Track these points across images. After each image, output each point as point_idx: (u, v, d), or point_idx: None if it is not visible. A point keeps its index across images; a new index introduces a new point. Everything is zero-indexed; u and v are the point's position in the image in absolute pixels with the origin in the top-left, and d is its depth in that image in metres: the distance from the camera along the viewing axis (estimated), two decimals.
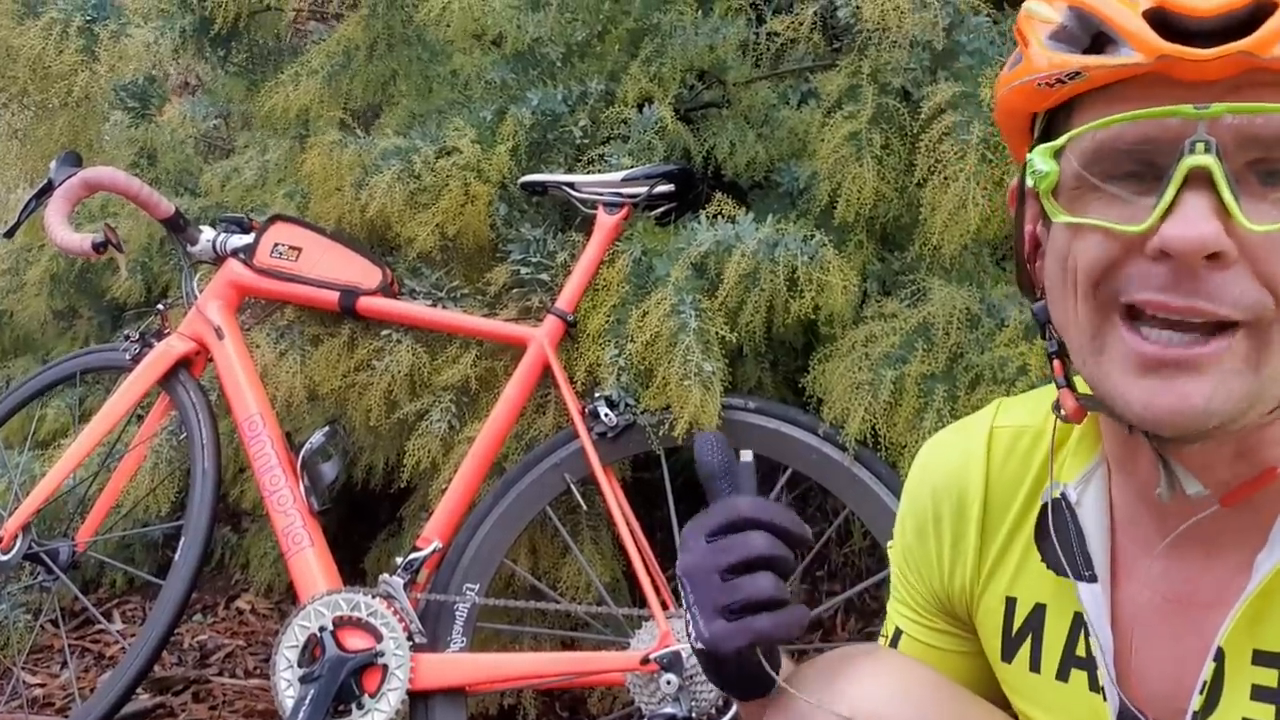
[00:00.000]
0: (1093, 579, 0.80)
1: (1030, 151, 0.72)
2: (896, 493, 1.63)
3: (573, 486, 1.78)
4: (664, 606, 1.68)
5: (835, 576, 2.20)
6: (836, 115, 1.87)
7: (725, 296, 1.72)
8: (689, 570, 0.79)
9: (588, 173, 1.95)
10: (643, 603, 1.71)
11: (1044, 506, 0.84)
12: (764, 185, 2.05)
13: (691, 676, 1.56)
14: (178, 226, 2.08)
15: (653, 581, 1.67)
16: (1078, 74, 0.68)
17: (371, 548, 2.38)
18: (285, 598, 2.79)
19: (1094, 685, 0.82)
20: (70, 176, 2.00)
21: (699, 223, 1.83)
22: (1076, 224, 0.69)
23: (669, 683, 1.54)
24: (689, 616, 0.80)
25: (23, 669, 2.35)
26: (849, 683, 0.82)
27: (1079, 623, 0.82)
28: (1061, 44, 0.69)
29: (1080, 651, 0.83)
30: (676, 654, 1.57)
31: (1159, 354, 0.64)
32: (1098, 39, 0.68)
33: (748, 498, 0.81)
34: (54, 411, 2.80)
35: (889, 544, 1.02)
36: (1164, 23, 0.64)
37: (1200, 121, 0.63)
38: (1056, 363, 0.78)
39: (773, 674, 0.82)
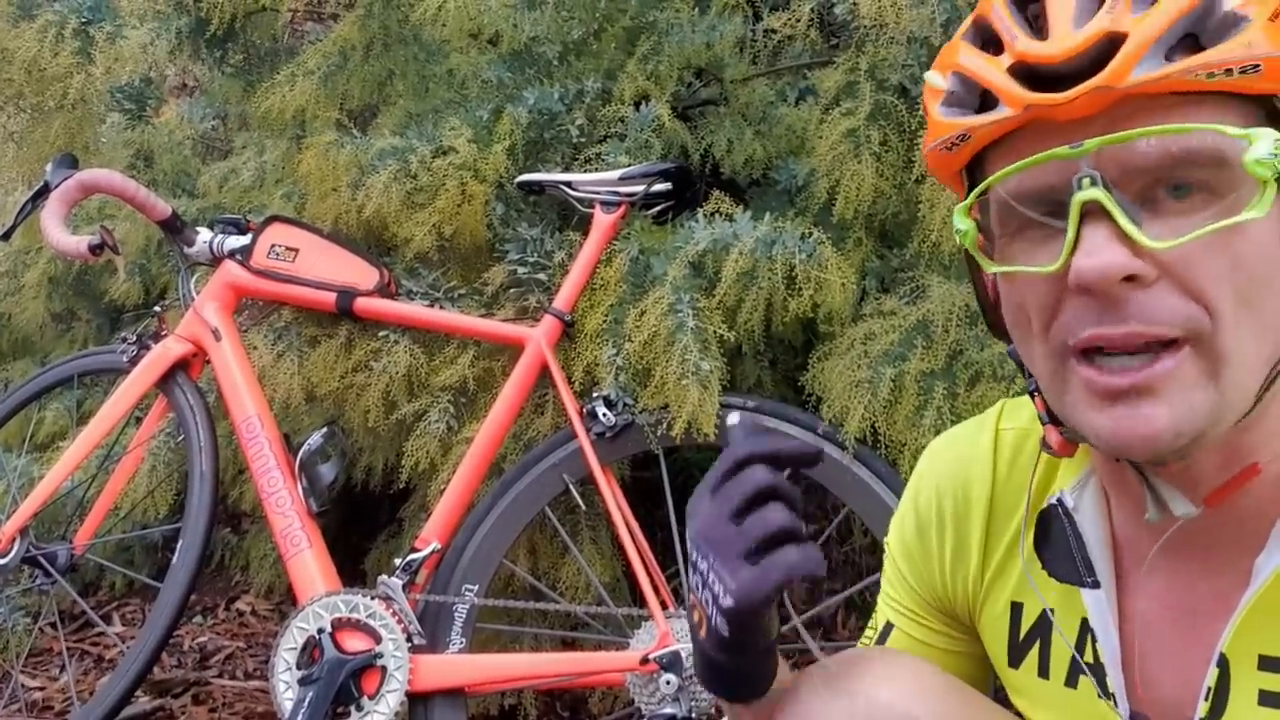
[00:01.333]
0: (1095, 585, 0.80)
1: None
2: (896, 491, 1.63)
3: (571, 487, 1.77)
4: (663, 606, 1.67)
5: (835, 575, 2.20)
6: (834, 112, 1.86)
7: (723, 295, 1.71)
8: (702, 529, 0.75)
9: (585, 172, 1.95)
10: (642, 602, 1.70)
11: (1042, 514, 0.84)
12: (762, 183, 2.05)
13: (691, 676, 1.55)
14: (174, 228, 2.07)
15: (652, 581, 1.67)
16: (966, 135, 0.72)
17: (371, 549, 2.38)
18: (285, 599, 2.78)
19: (1103, 691, 0.82)
20: (66, 179, 2.00)
21: (696, 221, 1.82)
22: (1004, 272, 0.72)
23: (669, 683, 1.53)
24: (709, 590, 0.75)
25: (22, 672, 2.34)
26: (862, 681, 0.81)
27: (1086, 628, 0.82)
28: (954, 109, 0.73)
29: (1088, 658, 0.83)
30: (676, 654, 1.56)
31: (1115, 384, 0.66)
32: (985, 98, 0.71)
33: (742, 445, 0.76)
34: (52, 414, 2.80)
35: (886, 539, 1.02)
36: (1030, 74, 0.67)
37: (1082, 159, 0.65)
38: (1038, 399, 0.79)
39: (791, 612, 0.82)
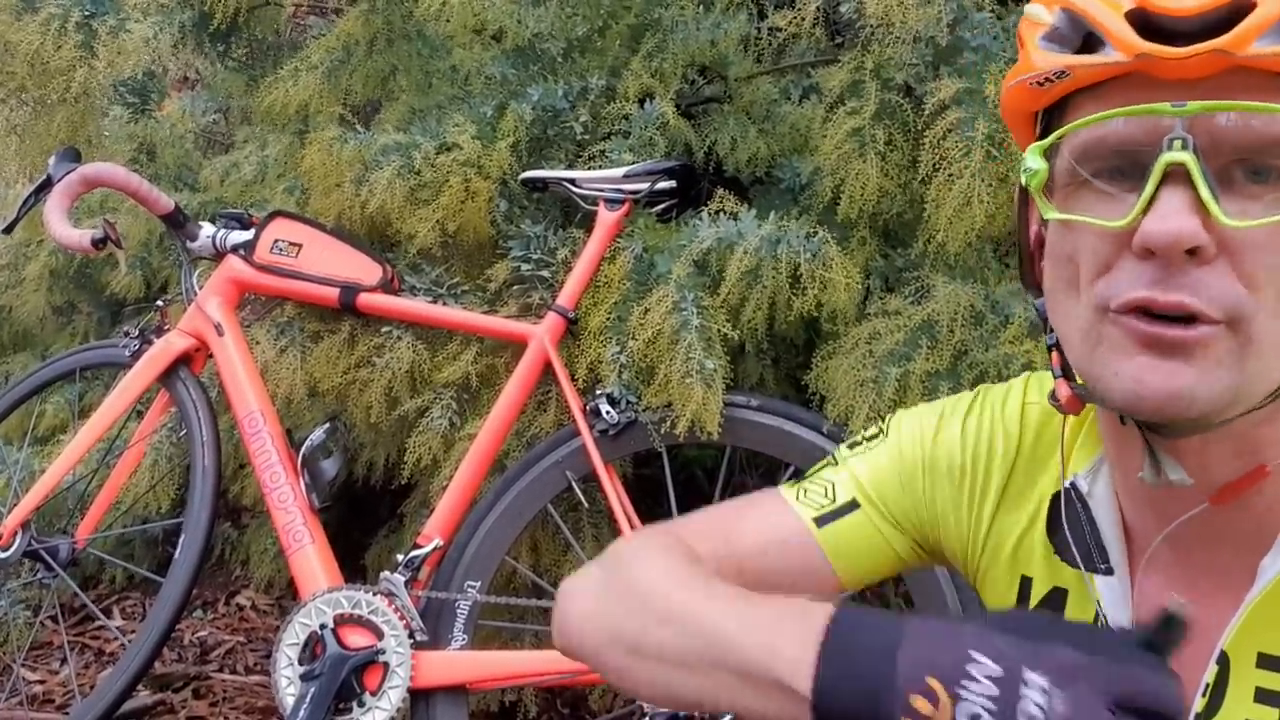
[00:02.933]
0: (1109, 571, 0.79)
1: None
2: None
3: (574, 484, 1.77)
4: None
5: None
6: (839, 111, 1.86)
7: (727, 294, 1.71)
8: (1075, 695, 0.56)
9: (589, 169, 1.94)
10: None
11: (1055, 497, 0.84)
12: (765, 181, 2.04)
13: None
14: (177, 222, 2.07)
15: None
16: (1064, 73, 0.70)
17: (372, 545, 2.38)
18: (286, 594, 2.78)
19: None
20: (69, 172, 1.99)
21: (701, 219, 1.82)
22: (1066, 220, 0.71)
23: None
24: None
25: (22, 666, 2.34)
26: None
27: (1098, 616, 0.82)
28: (1054, 44, 0.72)
29: None
30: None
31: (1153, 331, 0.65)
32: (1088, 40, 0.70)
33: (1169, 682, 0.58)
34: (53, 408, 2.80)
35: (871, 435, 0.97)
36: (1146, 23, 0.66)
37: (1178, 119, 0.64)
38: (1055, 354, 0.79)
39: None
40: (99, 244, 1.93)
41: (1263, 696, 0.73)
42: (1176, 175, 0.64)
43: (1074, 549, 0.81)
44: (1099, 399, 0.73)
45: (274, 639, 2.62)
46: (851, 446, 0.98)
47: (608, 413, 1.75)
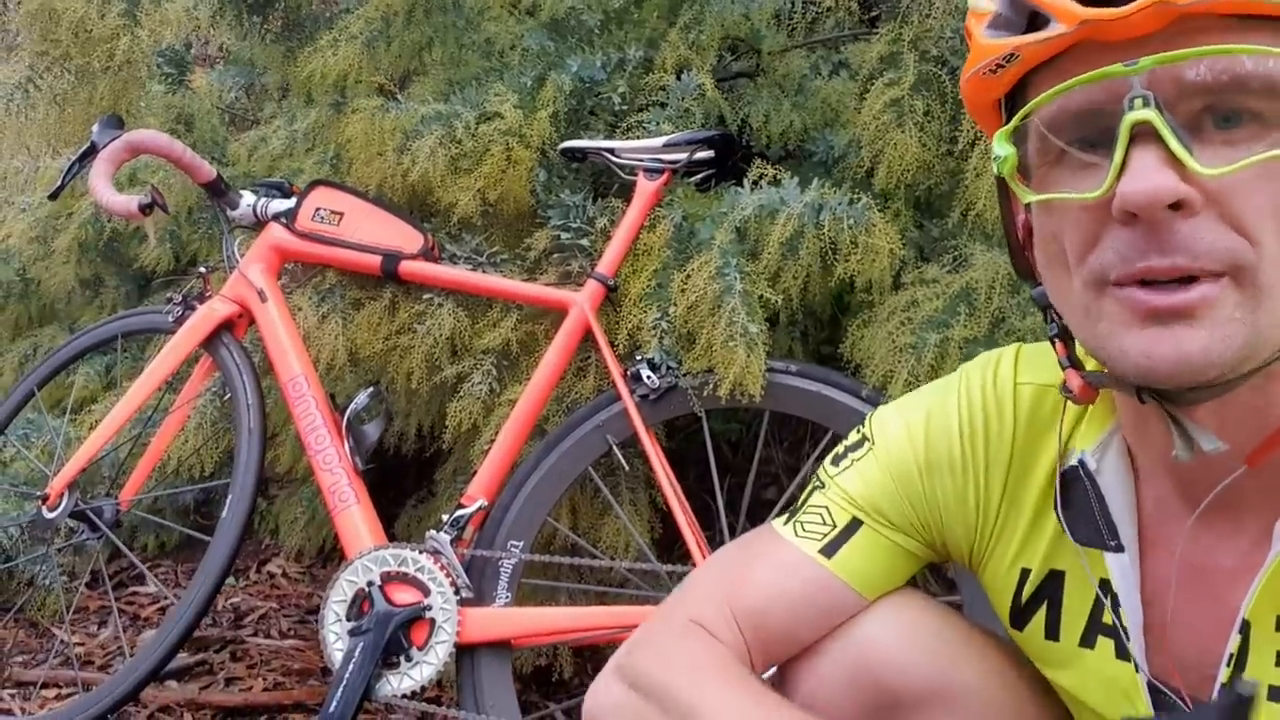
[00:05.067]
0: (1119, 549, 0.79)
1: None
2: None
3: (614, 448, 1.80)
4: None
5: None
6: (878, 83, 1.89)
7: (769, 260, 1.74)
8: None
9: (627, 139, 1.97)
10: (685, 559, 1.74)
11: (1063, 475, 0.83)
12: (796, 155, 2.07)
13: None
14: (218, 191, 2.10)
15: (695, 539, 1.70)
16: (1013, 55, 0.70)
17: (400, 515, 2.41)
18: (316, 562, 2.82)
19: (1121, 653, 0.82)
20: (114, 139, 2.02)
21: (742, 188, 1.85)
22: (1044, 201, 0.70)
23: None
24: None
25: (63, 628, 2.38)
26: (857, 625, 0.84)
27: (1105, 590, 0.82)
28: (1000, 30, 0.72)
29: (1107, 619, 0.82)
30: None
31: (1155, 301, 0.64)
32: (1033, 19, 0.70)
33: None
34: (82, 378, 2.83)
35: (854, 444, 0.95)
36: None
37: (1134, 77, 0.64)
38: (1060, 345, 0.79)
39: None
40: (146, 209, 1.96)
41: None
42: (1145, 135, 0.64)
43: (1083, 526, 0.81)
44: (1114, 383, 0.72)
45: (305, 605, 2.68)
46: (835, 461, 0.96)
47: (648, 377, 1.78)
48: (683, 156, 1.91)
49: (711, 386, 1.73)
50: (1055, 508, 0.83)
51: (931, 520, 0.92)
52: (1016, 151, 0.72)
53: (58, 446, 2.28)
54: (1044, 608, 0.87)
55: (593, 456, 1.82)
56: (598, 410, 1.82)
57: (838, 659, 0.91)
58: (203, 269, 2.12)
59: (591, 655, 2.12)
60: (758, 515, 1.87)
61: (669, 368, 1.79)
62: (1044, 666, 0.90)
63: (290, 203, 2.07)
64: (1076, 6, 0.65)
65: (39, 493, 2.05)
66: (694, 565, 1.66)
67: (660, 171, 1.92)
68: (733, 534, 1.75)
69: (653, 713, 0.84)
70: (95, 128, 2.07)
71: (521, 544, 1.77)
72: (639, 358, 1.81)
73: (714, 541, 1.76)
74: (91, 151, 2.06)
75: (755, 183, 1.85)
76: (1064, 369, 0.78)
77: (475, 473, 1.84)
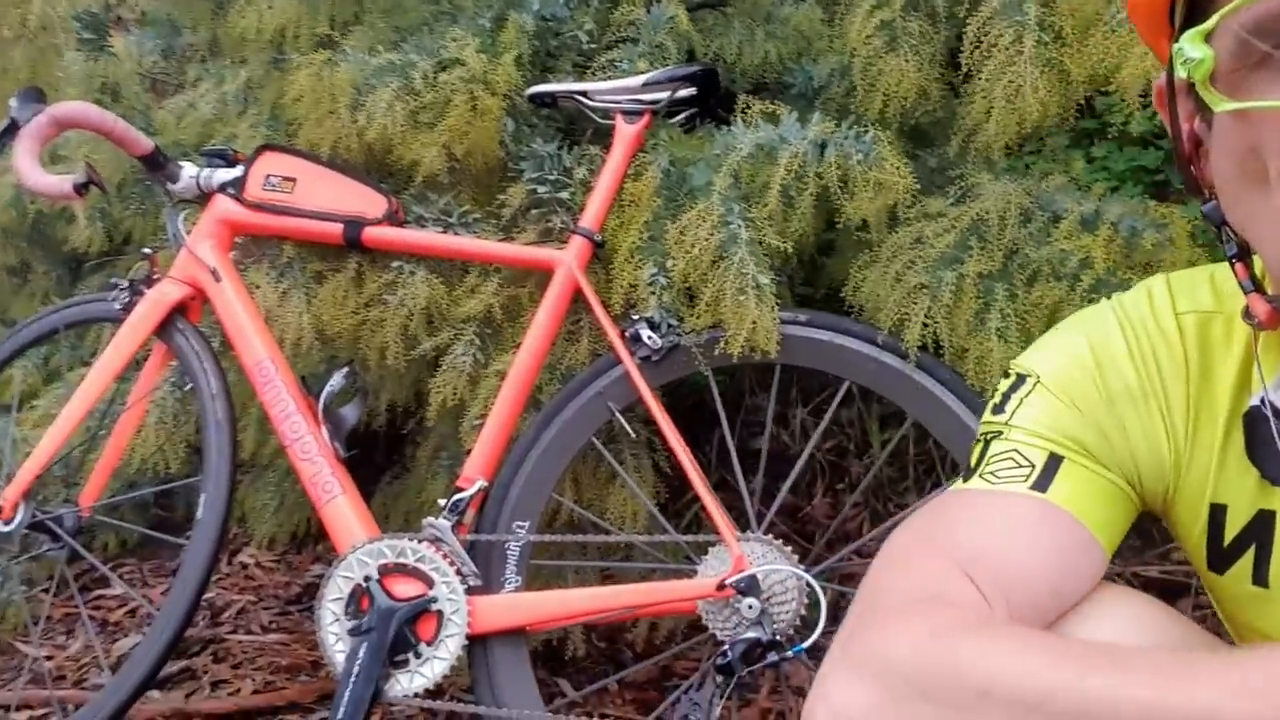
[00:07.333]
0: None
1: (1177, 41, 0.67)
2: (963, 398, 1.57)
3: (617, 415, 1.70)
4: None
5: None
6: (863, 5, 1.77)
7: (772, 204, 1.63)
8: None
9: (601, 80, 1.83)
10: (699, 529, 1.65)
11: (1250, 416, 0.77)
12: (771, 88, 1.96)
13: (769, 599, 1.50)
14: (157, 164, 1.92)
15: (714, 505, 1.60)
16: None
17: (375, 494, 2.28)
18: (289, 549, 2.69)
19: None
20: (37, 114, 1.83)
21: (734, 127, 1.72)
22: (1242, 109, 0.63)
23: (750, 607, 1.48)
24: None
25: (27, 642, 2.23)
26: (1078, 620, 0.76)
27: None
28: None
29: None
30: (753, 578, 1.50)
31: None
32: None
33: None
34: (20, 373, 2.64)
35: (1009, 389, 0.84)
36: None
37: None
38: (1239, 265, 0.72)
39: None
40: (82, 189, 1.78)
41: None
42: None
43: (1275, 466, 0.75)
44: None
45: (284, 595, 2.56)
46: (998, 410, 0.84)
47: (649, 338, 1.67)
48: (664, 96, 1.78)
49: (723, 342, 1.61)
50: (1246, 450, 0.77)
51: (1124, 453, 0.81)
52: (1213, 53, 0.65)
53: (4, 450, 2.10)
54: (1251, 549, 0.80)
55: (595, 426, 1.71)
56: (597, 376, 1.71)
57: None
58: (147, 250, 1.94)
59: (597, 631, 2.03)
60: (777, 472, 1.79)
61: (669, 326, 1.68)
62: (1239, 613, 0.84)
63: (236, 171, 1.90)
64: None
65: None
66: (716, 533, 1.57)
67: (640, 113, 1.80)
68: (752, 499, 1.65)
69: (923, 703, 0.65)
70: (13, 102, 1.87)
71: (527, 524, 1.67)
72: (635, 317, 1.70)
73: (732, 508, 1.67)
74: (12, 129, 1.86)
75: (749, 120, 1.72)
76: (1246, 293, 0.72)
77: (469, 452, 1.72)
